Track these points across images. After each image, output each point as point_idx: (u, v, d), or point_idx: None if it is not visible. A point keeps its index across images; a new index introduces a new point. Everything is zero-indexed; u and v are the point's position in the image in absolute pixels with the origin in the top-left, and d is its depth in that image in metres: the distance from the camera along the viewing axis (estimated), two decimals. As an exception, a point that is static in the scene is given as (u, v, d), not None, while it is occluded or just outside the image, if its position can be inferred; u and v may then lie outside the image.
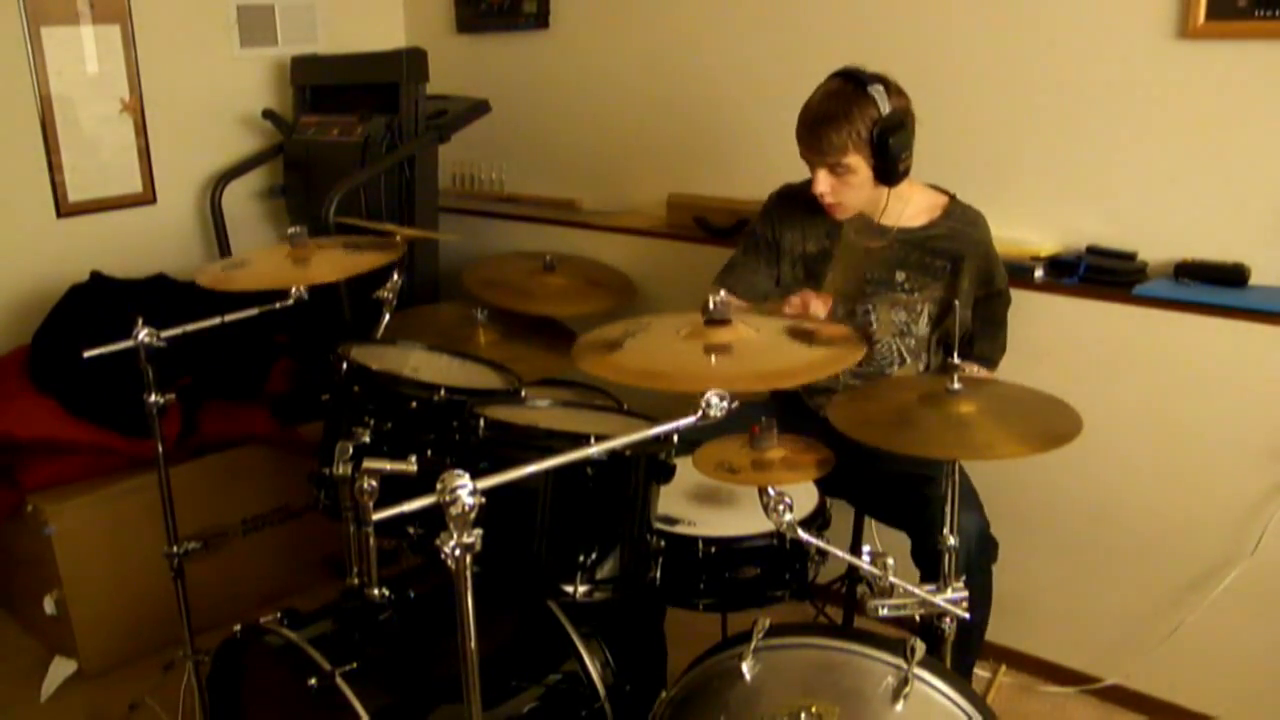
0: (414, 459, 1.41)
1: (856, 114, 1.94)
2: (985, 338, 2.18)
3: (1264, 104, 2.05)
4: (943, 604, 1.57)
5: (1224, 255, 2.14)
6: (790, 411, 2.18)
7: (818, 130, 1.97)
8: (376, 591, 1.66)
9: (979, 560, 1.92)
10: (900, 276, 2.10)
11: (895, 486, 2.03)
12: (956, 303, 1.80)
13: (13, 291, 2.87)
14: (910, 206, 2.10)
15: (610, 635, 1.84)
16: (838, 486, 1.99)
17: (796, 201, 2.19)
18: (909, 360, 2.14)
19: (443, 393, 1.72)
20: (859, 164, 1.97)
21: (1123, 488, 2.29)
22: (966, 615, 1.58)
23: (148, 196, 3.12)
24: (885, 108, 1.93)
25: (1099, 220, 2.29)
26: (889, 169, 1.96)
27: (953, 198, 2.14)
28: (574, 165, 3.23)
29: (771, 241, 2.21)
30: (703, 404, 1.35)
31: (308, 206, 3.16)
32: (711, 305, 1.56)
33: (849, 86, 1.96)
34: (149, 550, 2.19)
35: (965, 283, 2.09)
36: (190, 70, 3.14)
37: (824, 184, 2.01)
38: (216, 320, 2.03)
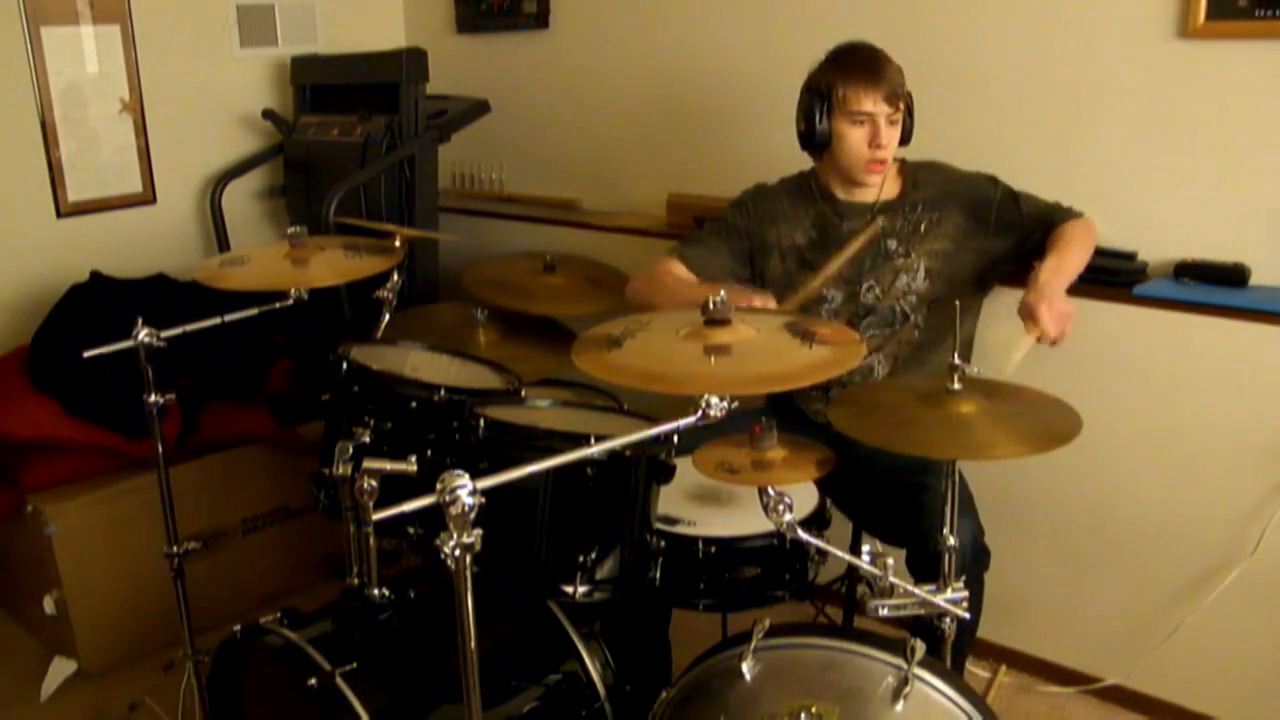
0: (414, 459, 1.41)
1: (897, 65, 2.02)
2: (1046, 229, 2.09)
3: (1264, 104, 2.05)
4: (943, 604, 1.57)
5: (1224, 255, 2.14)
6: (788, 418, 2.17)
7: (881, 73, 1.99)
8: (376, 591, 1.65)
9: (973, 569, 1.92)
10: (892, 245, 2.12)
11: (891, 496, 2.03)
12: (957, 302, 1.80)
13: (13, 291, 2.87)
14: (887, 180, 2.14)
15: (610, 635, 1.84)
16: (834, 498, 1.99)
17: (776, 198, 2.22)
18: (911, 316, 2.15)
19: (443, 393, 1.73)
20: (901, 113, 2.03)
21: (1123, 488, 2.29)
22: (967, 615, 1.58)
23: (148, 196, 3.12)
24: None
25: (1099, 220, 2.28)
26: (911, 127, 2.05)
27: (902, 161, 2.17)
28: (574, 165, 3.23)
29: (744, 233, 2.22)
30: (702, 404, 1.35)
31: (308, 206, 3.16)
32: (711, 305, 1.56)
33: (870, 44, 2.04)
34: (149, 550, 2.19)
35: (959, 218, 2.11)
36: (190, 70, 3.14)
37: (888, 136, 2.01)
38: (216, 320, 2.03)
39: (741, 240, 2.22)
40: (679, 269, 2.19)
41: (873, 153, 2.03)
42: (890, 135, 2.02)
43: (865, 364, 2.14)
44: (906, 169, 2.16)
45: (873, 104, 1.99)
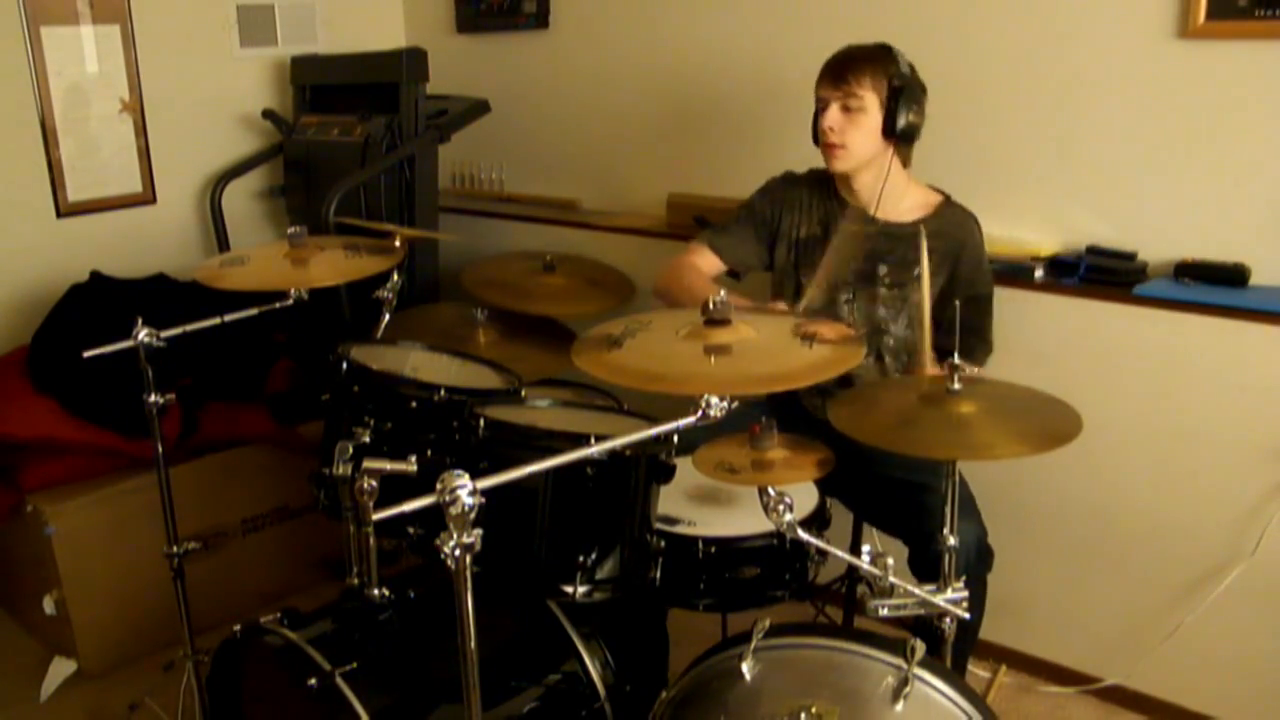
0: (414, 459, 1.41)
1: (883, 61, 2.03)
2: (961, 340, 2.13)
3: (1264, 104, 2.05)
4: (943, 604, 1.57)
5: (1224, 255, 2.14)
6: (788, 413, 2.17)
7: (843, 62, 2.03)
8: (376, 591, 1.66)
9: (977, 569, 1.92)
10: (882, 270, 2.11)
11: (893, 493, 2.03)
12: (957, 302, 1.80)
13: (13, 291, 2.87)
14: (906, 201, 2.12)
15: (610, 635, 1.84)
16: (836, 490, 1.99)
17: (798, 187, 2.23)
18: (887, 359, 2.14)
19: (443, 393, 1.72)
20: (872, 105, 2.01)
21: (1123, 488, 2.29)
22: (967, 615, 1.58)
23: (148, 196, 3.12)
24: (906, 71, 2.03)
25: (1099, 220, 2.29)
26: (898, 123, 2.01)
27: (947, 198, 2.14)
28: (574, 165, 3.23)
29: (769, 219, 2.23)
30: (702, 404, 1.35)
31: (308, 206, 3.16)
32: (711, 305, 1.56)
33: (880, 45, 2.05)
34: (149, 550, 2.19)
35: (943, 280, 2.10)
36: (190, 70, 3.14)
37: (833, 118, 2.03)
38: (216, 320, 2.03)
39: (765, 226, 2.24)
40: (706, 259, 2.23)
41: (823, 136, 2.05)
42: (838, 119, 2.02)
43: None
44: (943, 208, 2.13)
45: (824, 90, 2.04)
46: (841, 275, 2.13)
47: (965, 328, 2.15)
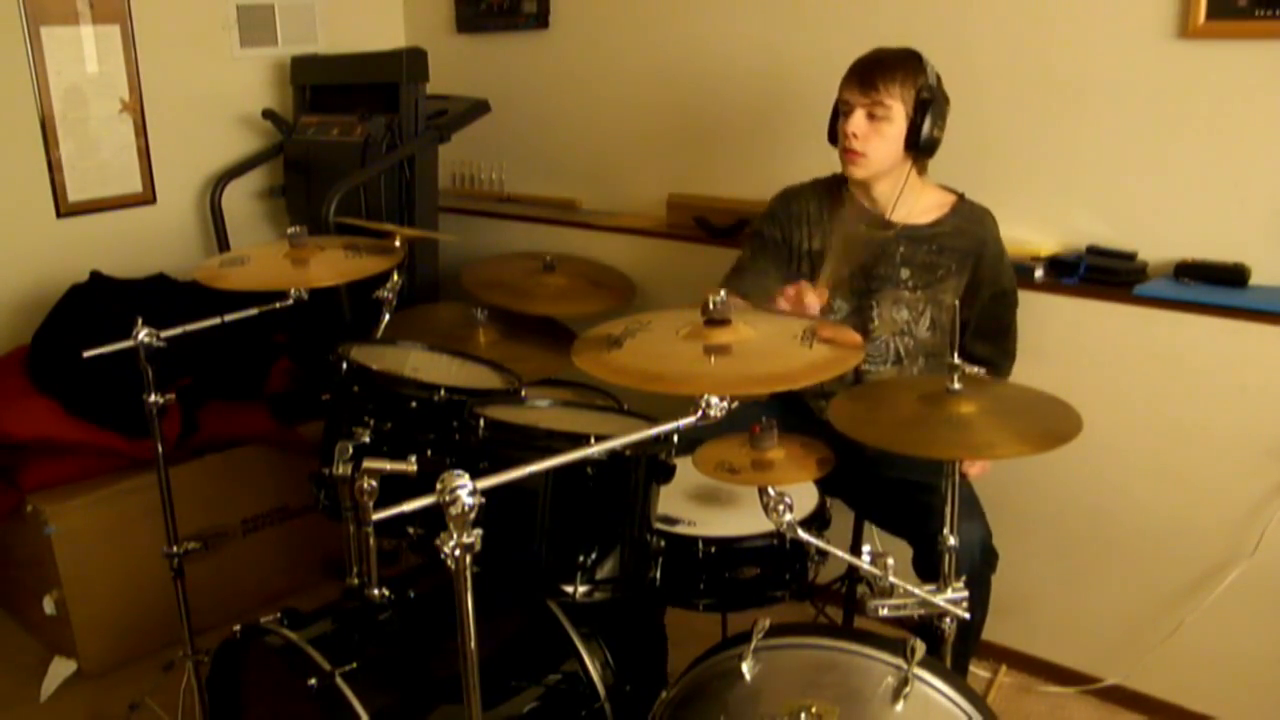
0: (414, 459, 1.41)
1: (913, 70, 2.00)
2: (989, 343, 2.17)
3: (1264, 104, 2.05)
4: (943, 604, 1.58)
5: (1224, 255, 2.14)
6: (791, 413, 2.17)
7: (873, 68, 2.00)
8: (376, 591, 1.66)
9: (981, 571, 1.92)
10: (905, 274, 2.10)
11: (897, 494, 2.03)
12: (957, 302, 1.80)
13: (13, 291, 2.87)
14: (921, 202, 2.11)
15: (610, 635, 1.84)
16: (838, 490, 1.99)
17: (801, 201, 2.20)
18: (905, 362, 2.14)
19: (443, 393, 1.73)
20: (898, 114, 1.99)
21: (1123, 488, 2.29)
22: (966, 615, 1.58)
23: (147, 196, 3.12)
24: (933, 83, 2.01)
25: (1099, 220, 2.29)
26: (921, 136, 1.99)
27: (961, 196, 2.14)
28: (574, 165, 3.23)
29: (781, 242, 2.20)
30: (702, 404, 1.35)
31: (308, 206, 3.16)
32: (711, 305, 1.56)
33: (910, 51, 2.02)
34: (149, 550, 2.19)
35: (966, 279, 2.10)
36: (190, 70, 3.14)
37: (858, 124, 2.00)
38: (216, 320, 2.03)
39: (779, 248, 2.20)
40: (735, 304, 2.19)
41: (845, 141, 2.03)
42: (863, 126, 1.99)
43: None
44: (960, 207, 2.12)
45: (850, 94, 2.01)
46: (841, 275, 2.12)
47: (994, 327, 2.17)
